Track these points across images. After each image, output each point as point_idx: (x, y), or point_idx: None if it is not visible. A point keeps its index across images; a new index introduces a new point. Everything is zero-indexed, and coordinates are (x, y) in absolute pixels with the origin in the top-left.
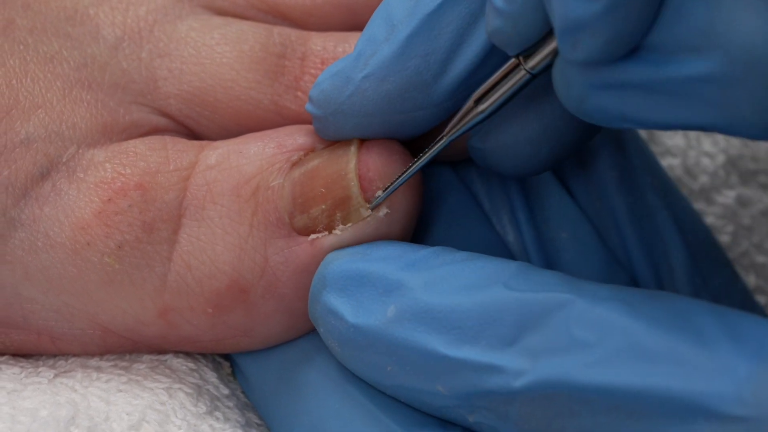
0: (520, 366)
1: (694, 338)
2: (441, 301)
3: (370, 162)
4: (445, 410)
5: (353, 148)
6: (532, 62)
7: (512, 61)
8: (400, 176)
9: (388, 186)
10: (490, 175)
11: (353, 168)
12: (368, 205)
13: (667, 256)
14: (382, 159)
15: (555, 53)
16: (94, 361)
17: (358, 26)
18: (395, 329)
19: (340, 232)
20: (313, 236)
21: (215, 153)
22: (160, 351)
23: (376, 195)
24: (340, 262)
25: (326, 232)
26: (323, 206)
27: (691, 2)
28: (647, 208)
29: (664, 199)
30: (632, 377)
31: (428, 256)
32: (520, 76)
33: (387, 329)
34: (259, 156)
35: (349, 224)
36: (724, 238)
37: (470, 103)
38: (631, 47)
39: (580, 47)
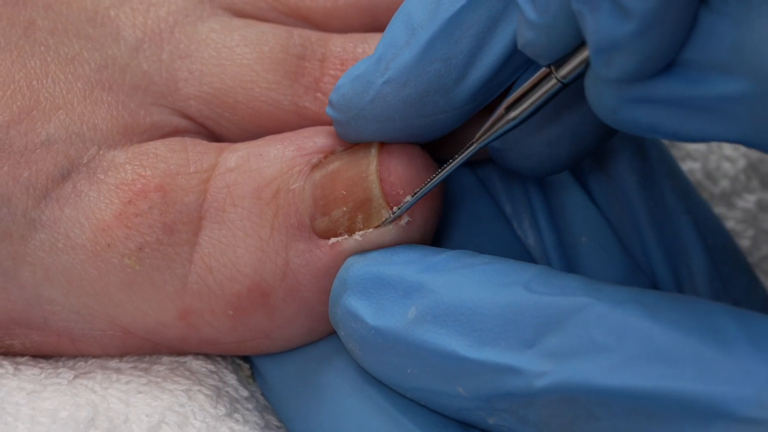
0: (540, 368)
1: (714, 341)
2: (461, 303)
3: (391, 165)
4: (465, 413)
5: (374, 150)
6: (564, 71)
7: (543, 69)
8: (428, 182)
9: (417, 191)
10: (511, 178)
11: (374, 170)
12: (389, 207)
13: (688, 260)
14: (402, 162)
15: (587, 63)
16: (113, 363)
17: (378, 28)
18: (416, 331)
19: (361, 237)
20: (333, 240)
21: (235, 155)
22: (180, 353)
23: (405, 200)
24: (361, 265)
25: (347, 235)
26: (344, 208)
27: (721, 22)
28: (668, 212)
29: (684, 203)
30: (652, 380)
31: (448, 258)
32: (551, 84)
33: (408, 331)
34: (280, 159)
35: (371, 229)
36: (744, 243)
37: (501, 110)
38: (664, 65)
39: (613, 65)
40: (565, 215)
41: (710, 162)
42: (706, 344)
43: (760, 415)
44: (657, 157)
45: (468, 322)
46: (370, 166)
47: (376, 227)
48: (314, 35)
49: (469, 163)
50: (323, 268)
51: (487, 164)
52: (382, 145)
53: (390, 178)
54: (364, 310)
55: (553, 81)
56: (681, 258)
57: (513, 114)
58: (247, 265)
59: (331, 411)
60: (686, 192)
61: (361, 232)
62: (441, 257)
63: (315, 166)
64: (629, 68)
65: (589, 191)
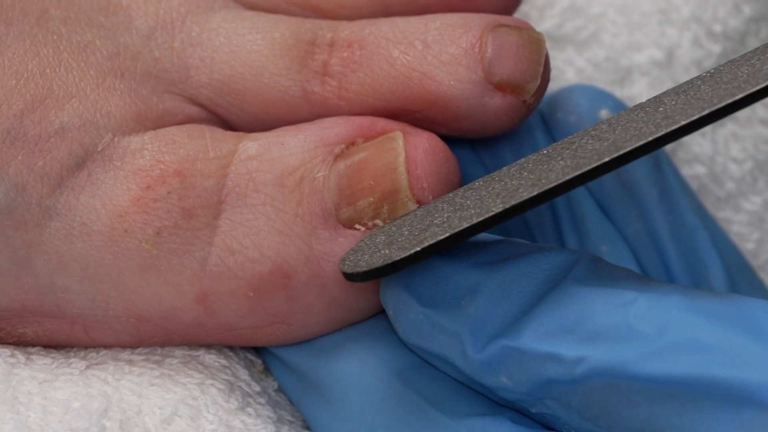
0: (580, 354)
1: (750, 333)
2: (509, 295)
3: (417, 157)
4: (508, 403)
5: (400, 143)
6: None
7: None
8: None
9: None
10: None
11: (402, 162)
12: (415, 200)
13: (708, 276)
14: (427, 155)
15: None
16: (126, 354)
17: (389, 17)
18: (463, 320)
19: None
20: (357, 226)
21: (255, 144)
22: (194, 342)
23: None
24: None
25: (371, 224)
26: (371, 198)
27: None
28: (687, 228)
29: (702, 220)
30: (688, 368)
31: (501, 248)
32: None
33: (455, 319)
34: (302, 148)
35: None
36: (748, 246)
37: None
38: None
39: None
40: (586, 225)
41: (716, 164)
42: (742, 335)
43: None
44: (672, 173)
45: (513, 313)
46: (398, 158)
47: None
48: (324, 22)
49: (487, 169)
50: None
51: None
52: (407, 137)
53: (417, 171)
54: (415, 294)
55: None
56: (701, 274)
57: None
58: (269, 248)
59: (357, 404)
60: (701, 209)
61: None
62: (494, 250)
63: (338, 156)
64: None
65: (606, 203)
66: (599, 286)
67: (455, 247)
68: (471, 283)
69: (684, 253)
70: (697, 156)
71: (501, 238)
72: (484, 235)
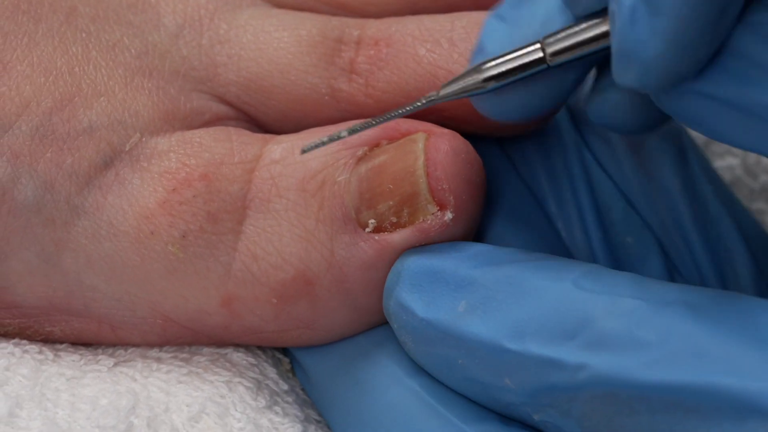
0: (581, 360)
1: (754, 339)
2: (509, 298)
3: (438, 159)
4: (512, 408)
5: (421, 145)
6: (557, 58)
7: (536, 45)
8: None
9: (357, 129)
10: (559, 177)
11: (422, 165)
12: (434, 202)
13: (733, 263)
14: (448, 157)
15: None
16: (153, 352)
17: (416, 14)
18: (464, 324)
19: (407, 232)
20: (378, 232)
21: (279, 147)
22: (220, 343)
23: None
24: (415, 259)
25: (392, 229)
26: (391, 202)
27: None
28: (711, 216)
29: (727, 207)
30: (690, 375)
31: (502, 255)
32: (536, 59)
33: (457, 323)
34: (324, 151)
35: (416, 224)
36: None
37: (476, 67)
38: (687, 77)
39: (632, 76)
40: (611, 216)
41: (750, 157)
42: (745, 343)
43: None
44: (697, 161)
45: (515, 316)
46: (417, 161)
47: (422, 222)
48: (351, 20)
49: (512, 163)
50: (368, 261)
51: (532, 164)
52: (429, 138)
53: (436, 173)
54: (415, 303)
55: (540, 56)
56: (726, 260)
57: (489, 85)
58: (292, 254)
59: (371, 404)
60: (726, 196)
61: (408, 228)
62: (494, 254)
63: (360, 159)
64: (650, 82)
65: (631, 194)
66: (600, 293)
67: (452, 254)
68: (469, 289)
69: (709, 242)
70: (730, 148)
71: (498, 247)
72: (483, 245)
